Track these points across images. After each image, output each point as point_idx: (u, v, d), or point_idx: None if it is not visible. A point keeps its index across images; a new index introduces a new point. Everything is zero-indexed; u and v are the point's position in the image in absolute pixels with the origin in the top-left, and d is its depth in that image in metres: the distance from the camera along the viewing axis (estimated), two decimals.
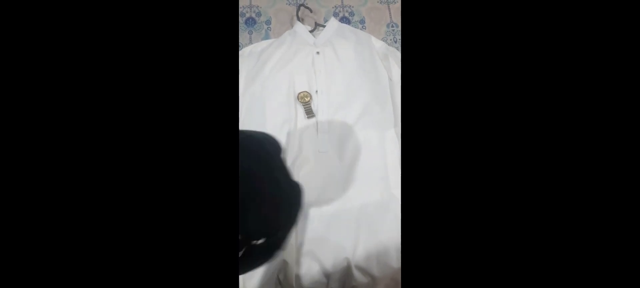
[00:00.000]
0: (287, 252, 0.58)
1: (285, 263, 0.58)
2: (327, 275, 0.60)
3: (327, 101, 0.74)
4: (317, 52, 0.80)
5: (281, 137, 0.70)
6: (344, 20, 0.91)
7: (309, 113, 0.73)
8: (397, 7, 0.93)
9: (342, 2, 0.94)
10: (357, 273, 0.61)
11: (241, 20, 0.90)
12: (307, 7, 0.89)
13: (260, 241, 0.30)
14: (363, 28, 0.90)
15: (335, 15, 0.91)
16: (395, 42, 0.88)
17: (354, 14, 0.92)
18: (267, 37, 0.87)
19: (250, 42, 0.86)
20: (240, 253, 0.29)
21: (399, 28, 0.90)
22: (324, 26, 0.85)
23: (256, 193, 0.29)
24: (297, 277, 0.59)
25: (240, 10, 0.91)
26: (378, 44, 0.84)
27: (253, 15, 0.90)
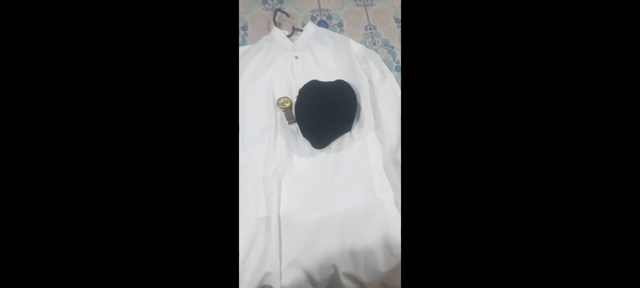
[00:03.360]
0: (270, 263, 0.56)
1: (268, 275, 0.56)
2: (314, 284, 0.59)
3: None
4: (296, 57, 0.79)
5: (262, 144, 0.68)
6: (322, 23, 0.90)
7: (290, 119, 0.72)
8: (374, 9, 0.93)
9: (319, 5, 0.93)
10: (345, 280, 0.60)
11: None
12: (284, 12, 0.88)
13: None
14: (341, 31, 0.89)
15: (313, 19, 0.90)
16: (374, 44, 0.88)
17: (331, 18, 0.91)
18: (244, 43, 0.85)
19: None
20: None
21: (377, 30, 0.90)
22: (301, 30, 0.84)
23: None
24: None
25: None
26: (356, 46, 0.84)
27: None
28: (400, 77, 0.82)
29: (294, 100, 0.72)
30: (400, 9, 0.94)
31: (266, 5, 0.91)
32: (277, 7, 0.89)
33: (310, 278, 0.58)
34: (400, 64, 0.85)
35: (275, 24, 0.85)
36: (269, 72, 0.77)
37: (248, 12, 0.90)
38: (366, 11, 0.93)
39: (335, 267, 0.59)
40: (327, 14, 0.92)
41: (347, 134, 0.71)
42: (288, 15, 0.88)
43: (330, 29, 0.89)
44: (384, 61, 0.82)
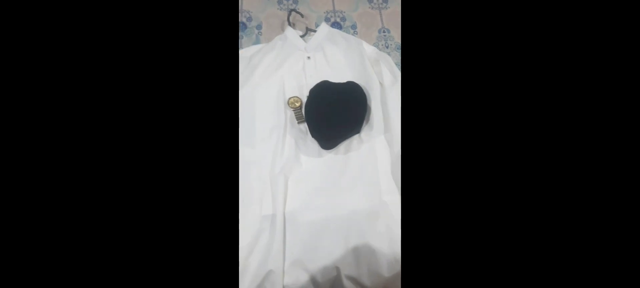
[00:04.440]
0: (273, 261, 0.56)
1: (271, 273, 0.56)
2: (317, 286, 0.58)
3: None
4: (308, 57, 0.79)
5: (270, 143, 0.68)
6: (336, 25, 0.90)
7: (299, 118, 0.72)
8: (388, 12, 0.93)
9: (333, 7, 0.93)
10: (347, 283, 0.59)
11: None
12: (299, 12, 0.89)
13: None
14: (354, 33, 0.89)
15: (327, 20, 0.90)
16: (387, 47, 0.87)
17: (345, 19, 0.91)
18: (257, 42, 0.86)
19: (241, 47, 0.85)
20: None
21: (390, 33, 0.89)
22: (315, 31, 0.84)
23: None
24: None
25: None
26: (369, 49, 0.83)
27: (244, 19, 0.89)
28: None
29: (305, 100, 0.73)
30: None
31: (281, 5, 0.92)
32: (292, 8, 0.90)
33: (312, 279, 0.58)
34: None
35: (289, 24, 0.85)
36: (281, 71, 0.77)
37: (263, 11, 0.91)
38: (380, 14, 0.93)
39: (338, 269, 0.59)
40: (341, 15, 0.92)
41: (356, 136, 0.71)
42: (302, 16, 0.89)
43: (344, 31, 0.89)
44: (396, 64, 0.82)
